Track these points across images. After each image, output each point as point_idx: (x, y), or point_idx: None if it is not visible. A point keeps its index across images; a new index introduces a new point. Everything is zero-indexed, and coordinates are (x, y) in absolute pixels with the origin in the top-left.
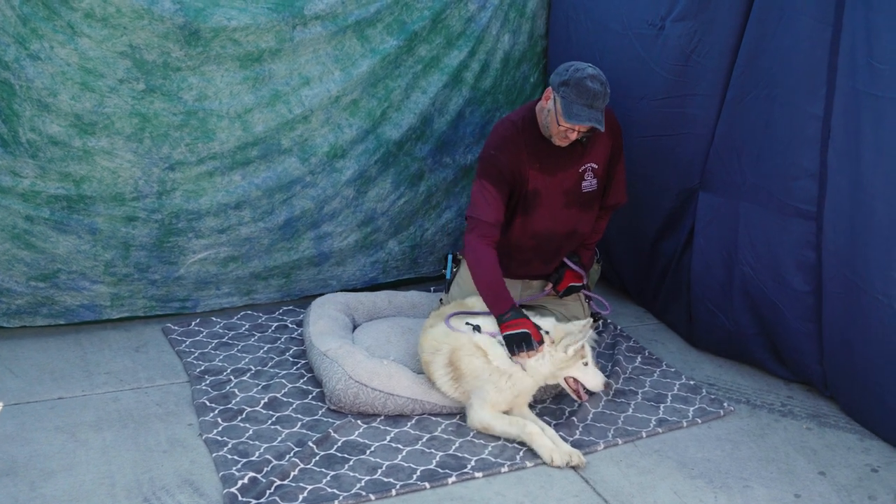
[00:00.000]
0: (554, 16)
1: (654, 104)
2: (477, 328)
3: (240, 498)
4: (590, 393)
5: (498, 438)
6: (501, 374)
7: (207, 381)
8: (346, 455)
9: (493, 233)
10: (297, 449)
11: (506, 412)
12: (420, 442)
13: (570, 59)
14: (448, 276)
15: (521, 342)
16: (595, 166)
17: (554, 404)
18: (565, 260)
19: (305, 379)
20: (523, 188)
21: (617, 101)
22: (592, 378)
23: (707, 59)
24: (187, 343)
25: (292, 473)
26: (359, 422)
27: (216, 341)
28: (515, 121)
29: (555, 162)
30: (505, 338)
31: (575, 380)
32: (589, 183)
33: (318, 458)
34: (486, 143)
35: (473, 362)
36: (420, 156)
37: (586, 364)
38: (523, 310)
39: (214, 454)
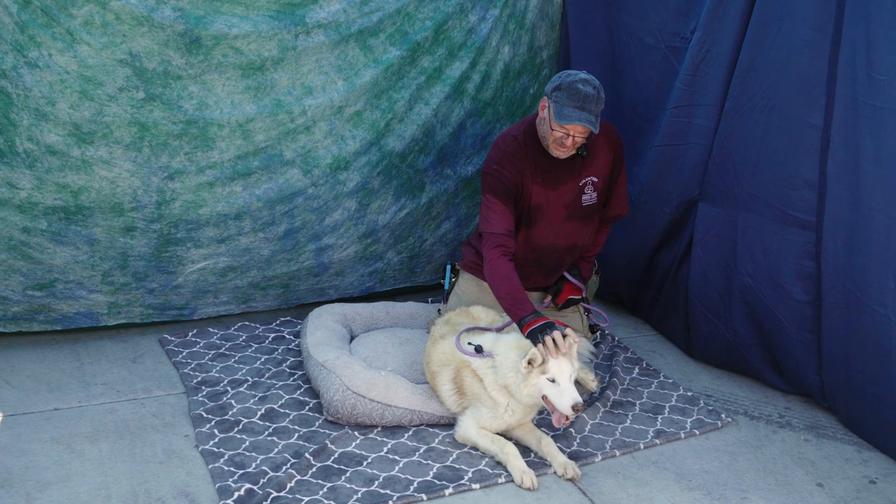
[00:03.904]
0: (581, 31)
1: (668, 114)
2: (479, 348)
3: None
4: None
5: None
6: (497, 403)
7: (204, 392)
8: (342, 466)
9: (506, 242)
10: (293, 460)
11: (505, 429)
12: (417, 453)
13: (614, 75)
14: (447, 287)
15: (544, 329)
16: (595, 180)
17: (551, 415)
18: (564, 273)
19: (302, 390)
20: (526, 203)
21: (650, 114)
22: (558, 397)
23: (712, 69)
24: (184, 354)
25: (289, 485)
26: (356, 433)
27: (213, 352)
28: (517, 135)
29: (556, 176)
30: (528, 335)
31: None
32: (589, 196)
33: (314, 469)
34: (489, 158)
35: (475, 385)
36: (422, 167)
37: (552, 381)
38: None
39: (211, 465)
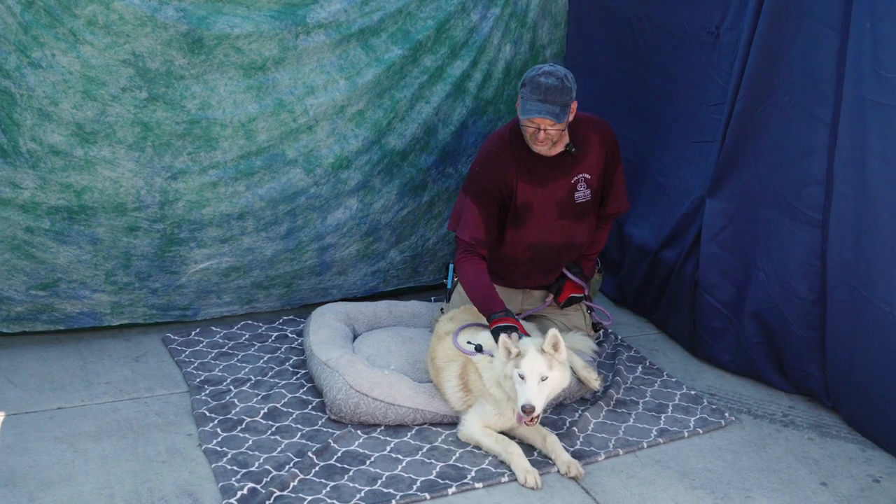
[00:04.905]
0: (592, 28)
1: (705, 110)
2: (479, 347)
3: None
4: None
5: None
6: (497, 400)
7: (207, 391)
8: (345, 465)
9: (475, 249)
10: (296, 459)
11: (510, 428)
12: (420, 452)
13: (639, 70)
14: (449, 286)
15: (506, 330)
16: (588, 176)
17: (554, 414)
18: (565, 271)
19: (305, 389)
20: (512, 201)
21: (682, 107)
22: (520, 394)
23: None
24: (187, 353)
25: (292, 484)
26: (359, 432)
27: (216, 351)
28: (503, 134)
29: (545, 173)
30: (493, 332)
31: None
32: (582, 193)
33: (317, 468)
34: (475, 160)
35: (479, 381)
36: (424, 166)
37: (522, 378)
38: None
39: (214, 464)
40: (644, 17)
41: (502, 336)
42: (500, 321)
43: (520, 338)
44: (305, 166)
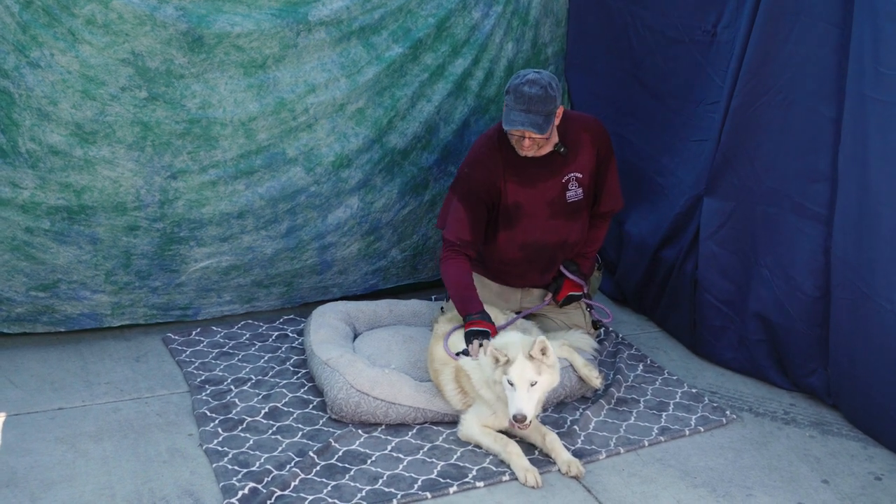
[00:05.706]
0: (591, 26)
1: (703, 109)
2: (465, 351)
3: None
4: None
5: None
6: (487, 401)
7: (208, 391)
8: (346, 465)
9: (461, 250)
10: (297, 459)
11: (509, 428)
12: (421, 451)
13: (634, 69)
14: None
15: (479, 335)
16: (579, 175)
17: (555, 413)
18: (563, 270)
19: (306, 388)
20: (501, 203)
21: (677, 107)
22: (510, 402)
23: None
24: (188, 353)
25: (293, 484)
26: (360, 431)
27: (217, 351)
28: (491, 135)
29: (534, 173)
30: (466, 334)
31: None
32: (574, 193)
33: (318, 468)
34: (464, 160)
35: (471, 384)
36: (425, 165)
37: (511, 384)
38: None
39: (215, 464)
40: (641, 16)
41: (490, 345)
42: (474, 324)
43: (484, 340)
44: (306, 165)
